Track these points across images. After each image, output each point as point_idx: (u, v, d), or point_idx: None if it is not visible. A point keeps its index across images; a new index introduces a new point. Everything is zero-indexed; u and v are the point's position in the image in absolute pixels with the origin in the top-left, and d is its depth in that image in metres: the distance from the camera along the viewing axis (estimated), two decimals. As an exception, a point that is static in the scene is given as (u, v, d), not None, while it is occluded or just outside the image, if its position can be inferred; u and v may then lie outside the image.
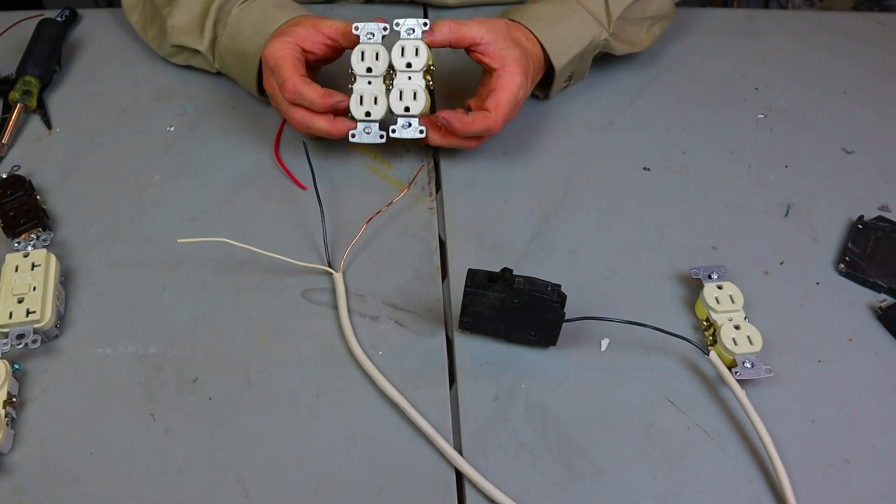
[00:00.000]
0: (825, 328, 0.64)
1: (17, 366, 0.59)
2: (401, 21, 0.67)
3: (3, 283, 0.61)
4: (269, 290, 0.65)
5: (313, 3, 0.87)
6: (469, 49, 0.69)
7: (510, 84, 0.68)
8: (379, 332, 0.63)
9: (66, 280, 0.65)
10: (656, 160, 0.76)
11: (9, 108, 0.76)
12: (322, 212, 0.67)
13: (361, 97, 0.68)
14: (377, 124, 0.68)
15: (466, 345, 0.62)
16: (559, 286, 0.58)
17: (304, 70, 0.68)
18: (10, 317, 0.59)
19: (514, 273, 0.58)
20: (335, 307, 0.64)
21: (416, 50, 0.67)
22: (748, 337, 0.61)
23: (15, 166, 0.73)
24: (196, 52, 0.78)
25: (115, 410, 0.58)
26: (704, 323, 0.64)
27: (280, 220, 0.70)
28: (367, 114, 0.68)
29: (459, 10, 0.88)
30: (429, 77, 0.68)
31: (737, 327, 0.61)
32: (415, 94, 0.67)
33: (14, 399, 0.57)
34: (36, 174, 0.72)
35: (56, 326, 0.61)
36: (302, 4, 0.76)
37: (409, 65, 0.67)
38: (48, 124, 0.77)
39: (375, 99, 0.68)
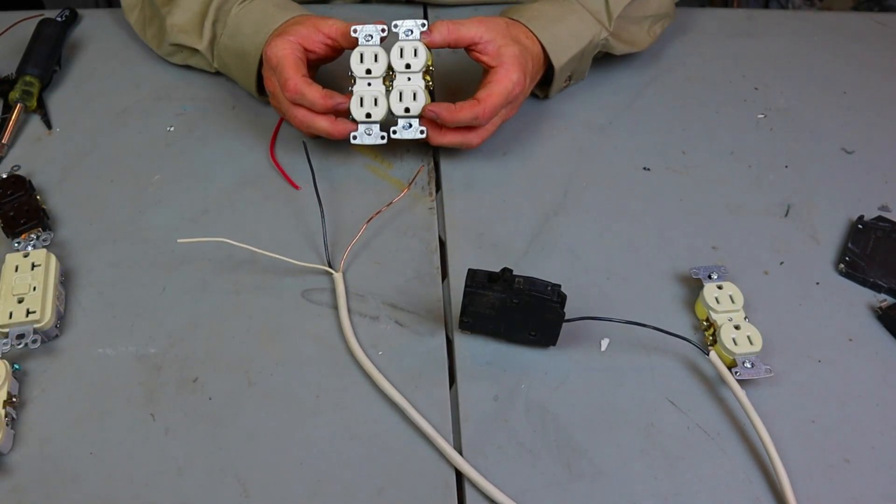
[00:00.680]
0: (825, 328, 0.64)
1: (17, 366, 0.59)
2: (399, 22, 0.68)
3: (3, 283, 0.61)
4: (269, 290, 0.65)
5: (312, 3, 0.87)
6: (468, 48, 0.69)
7: (504, 79, 0.68)
8: (379, 332, 0.63)
9: (66, 280, 0.65)
10: (656, 160, 0.76)
11: (9, 108, 0.76)
12: (322, 212, 0.67)
13: (361, 99, 0.68)
14: (378, 125, 0.68)
15: (466, 345, 0.62)
16: (559, 286, 0.58)
17: (306, 70, 0.68)
18: (10, 317, 0.59)
19: (514, 273, 0.58)
20: (335, 307, 0.64)
21: (415, 51, 0.67)
22: (748, 337, 0.61)
23: (15, 166, 0.73)
24: (195, 51, 0.78)
25: (115, 410, 0.58)
26: (704, 323, 0.64)
27: (280, 220, 0.70)
28: (368, 115, 0.68)
29: (458, 10, 0.88)
30: (428, 78, 0.69)
31: (737, 327, 0.61)
32: (414, 95, 0.67)
33: (14, 399, 0.57)
34: (36, 174, 0.72)
35: (56, 326, 0.61)
36: (301, 4, 0.76)
37: (408, 66, 0.67)
38: (48, 124, 0.77)
39: (375, 100, 0.68)
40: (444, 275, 0.66)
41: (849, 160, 0.77)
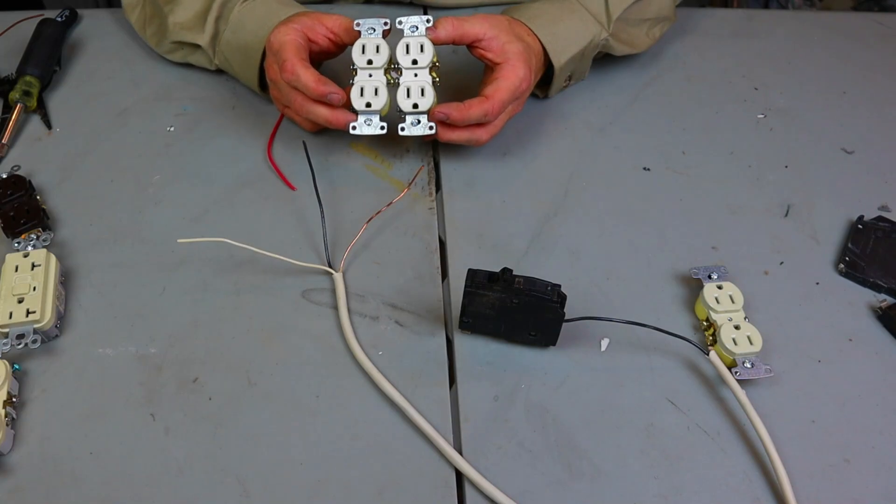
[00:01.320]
0: (825, 328, 0.64)
1: (17, 366, 0.59)
2: (403, 19, 0.68)
3: (3, 283, 0.61)
4: (269, 290, 0.65)
5: (313, 3, 0.87)
6: (471, 45, 0.70)
7: (511, 75, 0.68)
8: (379, 332, 0.63)
9: (66, 280, 0.65)
10: (656, 160, 0.76)
11: (9, 108, 0.76)
12: (322, 212, 0.67)
13: (362, 89, 0.68)
14: (378, 115, 0.68)
15: (466, 345, 0.62)
16: (559, 286, 0.58)
17: (307, 56, 0.68)
18: (10, 317, 0.59)
19: (514, 273, 0.58)
20: (335, 307, 0.64)
21: (421, 47, 0.67)
22: (748, 337, 0.61)
23: (15, 166, 0.73)
24: (195, 48, 0.78)
25: (115, 410, 0.58)
26: (704, 323, 0.64)
27: (280, 220, 0.70)
28: (368, 105, 0.68)
29: (458, 11, 0.88)
30: (434, 74, 0.68)
31: (737, 327, 0.61)
32: (422, 91, 0.67)
33: (14, 399, 0.57)
34: (36, 174, 0.72)
35: (56, 326, 0.61)
36: (302, 4, 0.76)
37: (414, 62, 0.68)
38: (48, 124, 0.77)
39: (376, 90, 0.68)
40: (444, 275, 0.66)
41: (849, 160, 0.77)
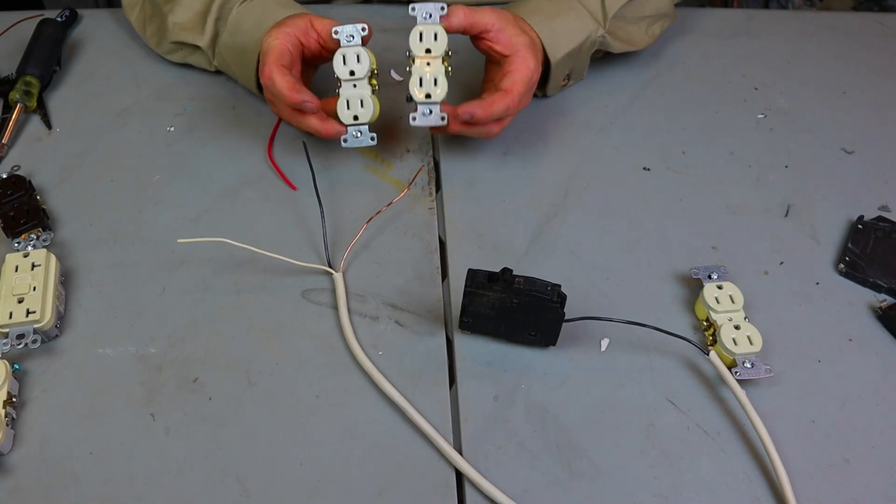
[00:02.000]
0: (825, 328, 0.64)
1: (17, 366, 0.59)
2: (417, 5, 0.66)
3: (3, 283, 0.61)
4: (269, 290, 0.65)
5: (313, 3, 0.87)
6: (478, 37, 0.69)
7: (524, 67, 0.68)
8: (379, 332, 0.63)
9: (66, 280, 0.65)
10: (656, 160, 0.76)
11: (9, 108, 0.76)
12: (322, 212, 0.67)
13: (348, 101, 0.67)
14: (367, 127, 0.68)
15: (466, 345, 0.62)
16: (559, 286, 0.58)
17: (292, 62, 0.68)
18: (10, 317, 0.59)
19: (514, 273, 0.58)
20: (335, 307, 0.64)
21: (435, 35, 0.66)
22: (748, 337, 0.61)
23: (15, 166, 0.73)
24: (195, 49, 0.78)
25: (115, 410, 0.58)
26: (704, 323, 0.64)
27: (280, 220, 0.70)
28: (356, 117, 0.67)
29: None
30: (447, 63, 0.67)
31: (737, 327, 0.61)
32: (435, 81, 0.66)
33: (14, 399, 0.57)
34: (36, 174, 0.72)
35: (56, 326, 0.61)
36: (302, 4, 0.76)
37: (427, 50, 0.66)
38: (48, 124, 0.77)
39: (361, 102, 0.67)
40: (444, 275, 0.66)
41: (849, 160, 0.77)
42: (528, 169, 0.75)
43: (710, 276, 0.64)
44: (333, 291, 0.65)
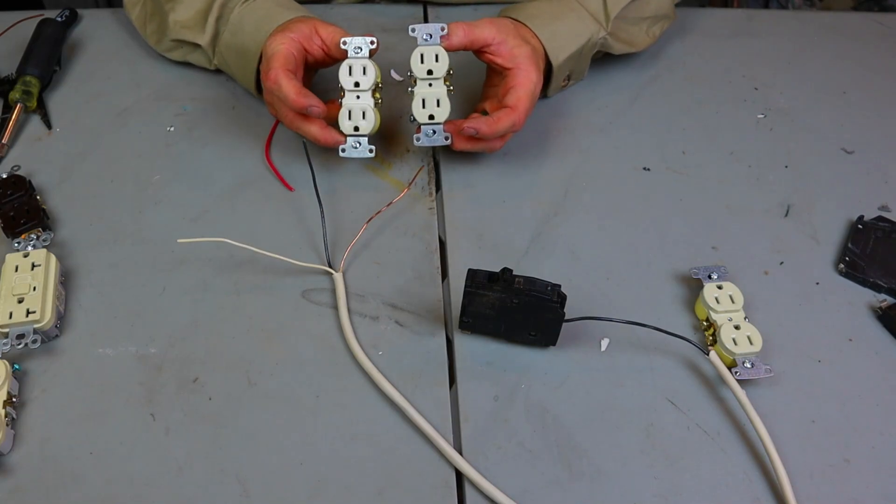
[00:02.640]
0: (825, 328, 0.64)
1: (17, 366, 0.59)
2: (417, 27, 0.67)
3: (3, 283, 0.61)
4: (269, 290, 0.65)
5: (313, 3, 0.87)
6: (479, 50, 0.69)
7: (527, 81, 0.68)
8: (379, 332, 0.63)
9: (66, 280, 0.65)
10: (656, 160, 0.76)
11: (9, 108, 0.76)
12: (322, 212, 0.67)
13: (350, 112, 0.67)
14: (366, 139, 0.68)
15: (466, 345, 0.62)
16: (559, 286, 0.58)
17: (296, 68, 0.68)
18: (10, 317, 0.59)
19: (514, 273, 0.58)
20: (335, 307, 0.64)
21: (436, 56, 0.67)
22: (748, 337, 0.61)
23: (15, 166, 0.73)
24: (195, 47, 0.78)
25: (115, 410, 0.58)
26: (704, 323, 0.64)
27: (280, 220, 0.70)
28: (356, 128, 0.68)
29: (459, 10, 0.88)
30: (448, 83, 0.68)
31: (737, 327, 0.61)
32: (438, 102, 0.67)
33: (14, 399, 0.57)
34: (36, 174, 0.72)
35: (56, 326, 0.61)
36: (302, 4, 0.76)
37: (429, 72, 0.67)
38: (48, 124, 0.77)
39: (363, 113, 0.67)
40: (444, 275, 0.66)
41: (849, 160, 0.77)
42: (528, 169, 0.75)
43: (710, 276, 0.64)
44: (333, 291, 0.65)
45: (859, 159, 0.77)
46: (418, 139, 0.68)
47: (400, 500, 0.54)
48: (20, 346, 0.59)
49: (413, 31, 0.67)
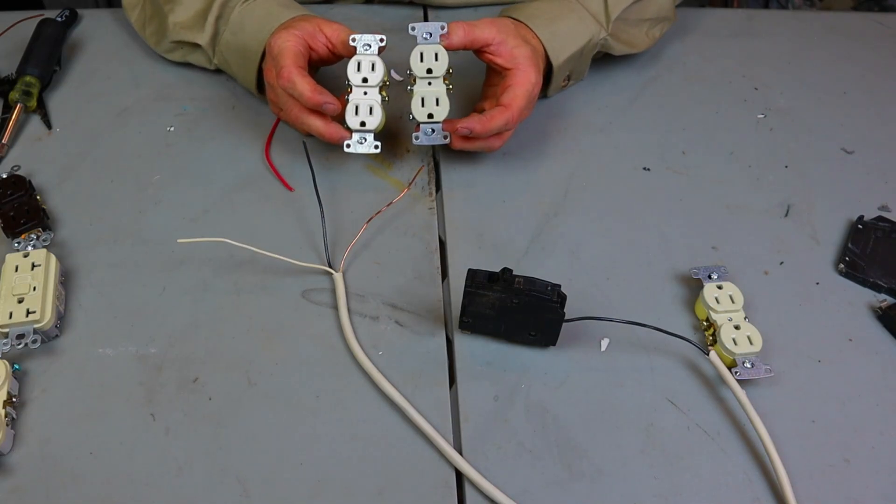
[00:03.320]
0: (825, 328, 0.64)
1: (17, 366, 0.59)
2: (417, 25, 0.67)
3: (3, 283, 0.61)
4: (269, 290, 0.65)
5: (313, 3, 0.87)
6: (480, 50, 0.69)
7: (524, 81, 0.68)
8: (379, 332, 0.63)
9: (66, 280, 0.65)
10: (656, 160, 0.76)
11: (9, 108, 0.76)
12: (322, 212, 0.67)
13: (357, 107, 0.68)
14: (372, 135, 0.68)
15: (466, 345, 0.62)
16: (559, 286, 0.58)
17: (305, 64, 0.68)
18: (10, 317, 0.59)
19: (514, 273, 0.58)
20: (335, 307, 0.64)
21: (436, 55, 0.67)
22: (748, 337, 0.61)
23: (15, 166, 0.73)
24: (195, 47, 0.78)
25: (115, 410, 0.58)
26: (704, 323, 0.64)
27: (280, 220, 0.70)
28: (363, 124, 0.68)
29: (459, 11, 0.88)
30: (448, 81, 0.68)
31: (737, 327, 0.61)
32: (437, 101, 0.67)
33: (14, 399, 0.57)
34: (36, 174, 0.72)
35: (56, 326, 0.61)
36: (302, 4, 0.76)
37: (429, 70, 0.67)
38: (48, 124, 0.77)
39: (371, 109, 0.67)
40: (444, 275, 0.66)
41: (849, 160, 0.77)
42: (528, 169, 0.75)
43: (710, 276, 0.64)
44: (333, 291, 0.65)
45: (859, 159, 0.77)
46: (417, 138, 0.68)
47: (400, 500, 0.54)
48: (20, 346, 0.59)
49: (413, 29, 0.67)
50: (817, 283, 0.67)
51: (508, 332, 0.61)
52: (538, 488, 0.55)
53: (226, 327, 0.62)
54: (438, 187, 0.73)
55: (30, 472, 0.55)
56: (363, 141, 0.68)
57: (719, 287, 0.63)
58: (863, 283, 0.67)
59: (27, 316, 0.59)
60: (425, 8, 0.89)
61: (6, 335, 0.59)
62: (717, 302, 0.63)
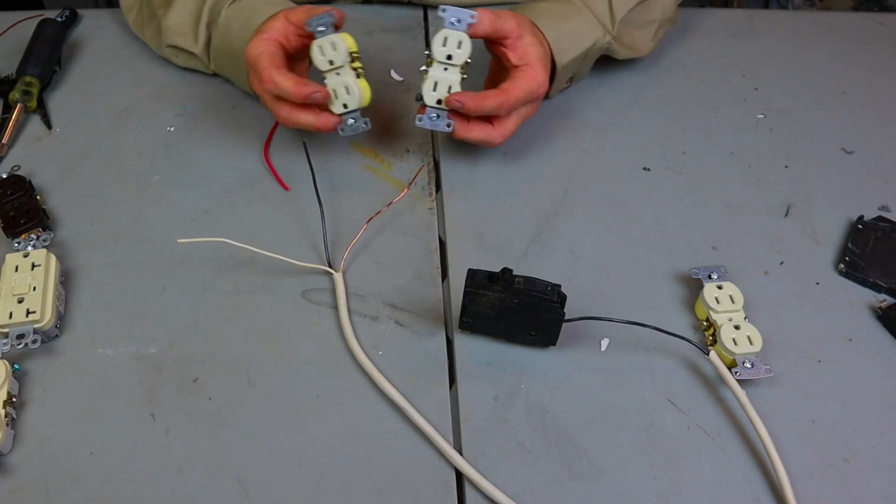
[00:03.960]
0: (825, 328, 0.64)
1: (17, 366, 0.59)
2: (448, 8, 0.64)
3: (3, 283, 0.61)
4: (269, 290, 0.65)
5: (313, 3, 0.87)
6: (496, 42, 0.68)
7: (531, 78, 0.67)
8: (379, 332, 0.63)
9: (66, 280, 0.65)
10: (656, 160, 0.76)
11: (9, 108, 0.76)
12: (322, 212, 0.67)
13: (335, 91, 0.66)
14: (359, 112, 0.67)
15: (466, 345, 0.62)
16: (559, 286, 0.58)
17: (283, 63, 0.67)
18: (10, 317, 0.59)
19: (514, 273, 0.58)
20: (335, 307, 0.64)
21: (460, 43, 0.65)
22: (748, 337, 0.61)
23: (15, 166, 0.73)
24: (193, 54, 0.78)
25: (115, 410, 0.58)
26: (704, 323, 0.64)
27: (280, 220, 0.70)
28: (345, 105, 0.67)
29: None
30: (463, 71, 0.66)
31: (737, 327, 0.61)
32: (449, 88, 0.66)
33: (14, 399, 0.57)
34: (36, 174, 0.72)
35: (56, 326, 0.61)
36: (301, 4, 0.75)
37: (449, 57, 0.65)
38: (48, 124, 0.77)
39: (347, 89, 0.66)
40: (444, 275, 0.66)
41: (849, 160, 0.77)
42: (528, 169, 0.75)
43: (710, 276, 0.64)
44: (333, 291, 0.65)
45: (859, 159, 0.77)
46: (420, 119, 0.67)
47: (400, 500, 0.54)
48: (20, 346, 0.59)
49: (443, 11, 0.64)
50: (817, 283, 0.67)
51: (508, 332, 0.61)
52: (538, 488, 0.55)
53: (226, 327, 0.62)
54: (438, 187, 0.73)
55: (30, 472, 0.55)
56: (353, 120, 0.67)
57: (719, 287, 0.63)
58: (863, 283, 0.67)
59: (27, 316, 0.59)
60: (425, 8, 0.89)
61: (6, 335, 0.59)
62: (717, 302, 0.63)
